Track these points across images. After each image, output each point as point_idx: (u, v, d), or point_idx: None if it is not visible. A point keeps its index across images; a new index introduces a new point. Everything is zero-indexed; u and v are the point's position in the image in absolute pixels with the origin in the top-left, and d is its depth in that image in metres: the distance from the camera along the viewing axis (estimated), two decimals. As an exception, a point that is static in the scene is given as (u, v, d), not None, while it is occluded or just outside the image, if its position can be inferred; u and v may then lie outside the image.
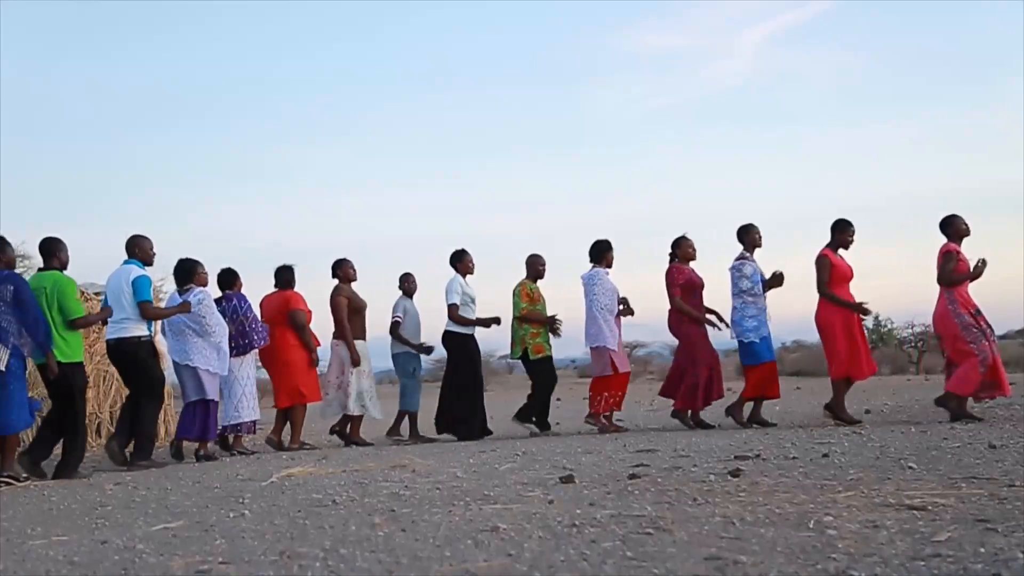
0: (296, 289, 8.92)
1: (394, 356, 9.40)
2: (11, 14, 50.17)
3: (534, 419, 9.01)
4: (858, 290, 8.32)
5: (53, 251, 6.96)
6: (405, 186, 79.41)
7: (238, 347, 8.30)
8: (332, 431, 9.15)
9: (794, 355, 37.89)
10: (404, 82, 74.70)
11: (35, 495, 5.66)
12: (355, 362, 8.79)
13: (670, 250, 8.73)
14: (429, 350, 9.39)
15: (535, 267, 9.17)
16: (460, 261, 9.18)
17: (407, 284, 9.49)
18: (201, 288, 8.02)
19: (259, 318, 8.60)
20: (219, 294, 8.43)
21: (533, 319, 8.91)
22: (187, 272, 8.03)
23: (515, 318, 8.95)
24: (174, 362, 8.03)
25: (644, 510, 3.57)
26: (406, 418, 9.31)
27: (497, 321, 9.13)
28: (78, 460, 6.94)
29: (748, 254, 8.48)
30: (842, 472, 4.52)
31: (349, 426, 8.99)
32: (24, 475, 6.55)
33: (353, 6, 70.23)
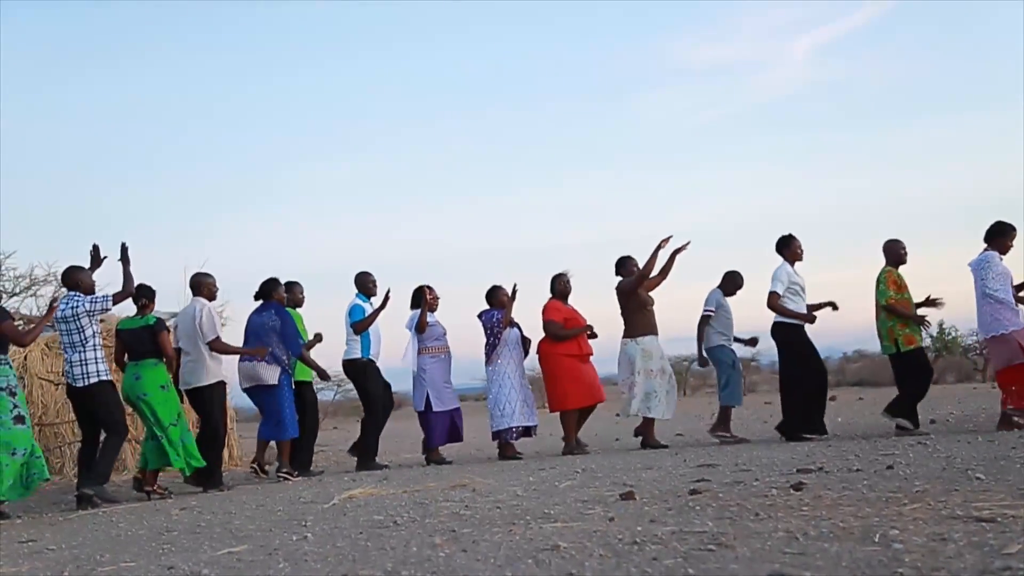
0: (555, 297, 9.07)
1: (709, 350, 9.11)
2: (16, 28, 50.50)
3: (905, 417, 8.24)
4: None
5: (291, 291, 8.65)
6: (446, 200, 79.46)
7: (488, 356, 9.04)
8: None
9: (856, 365, 37.41)
10: (453, 94, 74.96)
11: (104, 521, 5.79)
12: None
13: None
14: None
15: (896, 252, 8.42)
16: (787, 247, 8.59)
17: (728, 282, 9.16)
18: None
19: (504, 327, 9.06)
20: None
21: (898, 312, 8.20)
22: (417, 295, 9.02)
23: (881, 307, 8.29)
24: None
25: (706, 526, 3.54)
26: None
27: (828, 308, 8.76)
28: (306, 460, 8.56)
29: None
30: (907, 484, 4.44)
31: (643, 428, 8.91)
32: (296, 472, 8.13)
33: (395, 19, 70.69)
